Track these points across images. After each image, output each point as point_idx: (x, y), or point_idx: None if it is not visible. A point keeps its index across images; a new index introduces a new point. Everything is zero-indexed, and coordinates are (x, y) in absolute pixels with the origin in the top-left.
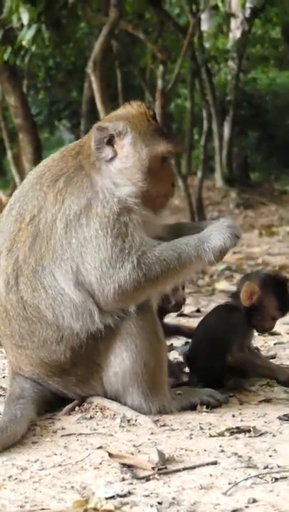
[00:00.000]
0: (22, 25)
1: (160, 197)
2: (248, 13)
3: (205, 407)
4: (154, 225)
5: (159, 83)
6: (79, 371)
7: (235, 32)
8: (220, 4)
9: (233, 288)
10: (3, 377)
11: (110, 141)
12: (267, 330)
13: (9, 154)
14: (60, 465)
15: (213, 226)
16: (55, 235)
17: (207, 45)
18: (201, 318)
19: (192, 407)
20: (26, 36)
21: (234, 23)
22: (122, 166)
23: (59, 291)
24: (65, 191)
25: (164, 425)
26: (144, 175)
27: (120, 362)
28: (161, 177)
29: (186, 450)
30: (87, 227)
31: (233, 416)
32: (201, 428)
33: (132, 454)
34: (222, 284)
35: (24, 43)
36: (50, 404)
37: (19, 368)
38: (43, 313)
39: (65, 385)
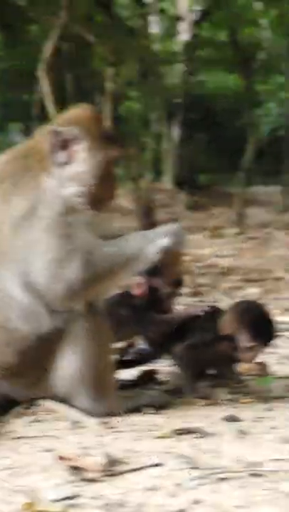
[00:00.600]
0: None
1: (105, 199)
2: (196, 16)
3: (151, 408)
4: (100, 224)
5: (109, 86)
6: (28, 374)
7: (184, 35)
8: (168, 7)
9: (184, 290)
10: None
11: (65, 146)
12: (245, 361)
13: None
14: (8, 468)
15: (159, 228)
16: (1, 237)
17: (156, 47)
18: None
19: (139, 409)
20: None
21: (182, 26)
22: (76, 171)
23: (7, 294)
24: (11, 193)
25: (111, 427)
26: (96, 179)
27: (68, 365)
28: (109, 181)
29: (133, 452)
30: (33, 229)
31: (179, 417)
32: (148, 430)
33: (80, 456)
34: None
35: None
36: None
37: None
38: None
39: (13, 388)
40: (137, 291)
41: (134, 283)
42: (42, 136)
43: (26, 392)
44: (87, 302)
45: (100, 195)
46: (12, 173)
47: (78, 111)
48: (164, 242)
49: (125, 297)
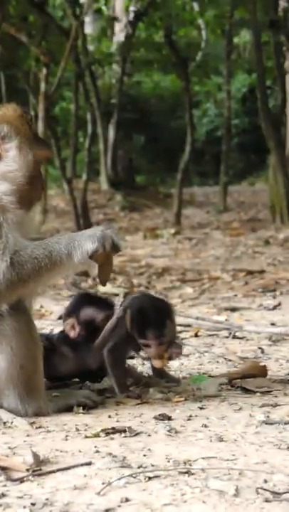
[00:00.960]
0: None
1: (33, 199)
2: (131, 16)
3: (82, 408)
4: (28, 224)
5: (43, 86)
6: None
7: (119, 35)
8: (103, 7)
9: (116, 290)
10: None
11: None
12: (153, 357)
13: None
14: None
15: (88, 229)
16: None
17: (91, 48)
18: None
19: (69, 409)
20: None
21: (118, 27)
22: (6, 169)
23: None
24: None
25: (40, 427)
26: (25, 178)
27: None
28: (36, 180)
29: (61, 451)
30: None
31: (110, 417)
32: (77, 429)
33: (7, 456)
34: (105, 287)
35: None
36: None
37: None
38: None
39: None
40: (72, 334)
41: (67, 326)
42: None
43: None
44: (12, 302)
45: (28, 194)
46: None
47: (8, 110)
48: (93, 246)
49: (65, 337)
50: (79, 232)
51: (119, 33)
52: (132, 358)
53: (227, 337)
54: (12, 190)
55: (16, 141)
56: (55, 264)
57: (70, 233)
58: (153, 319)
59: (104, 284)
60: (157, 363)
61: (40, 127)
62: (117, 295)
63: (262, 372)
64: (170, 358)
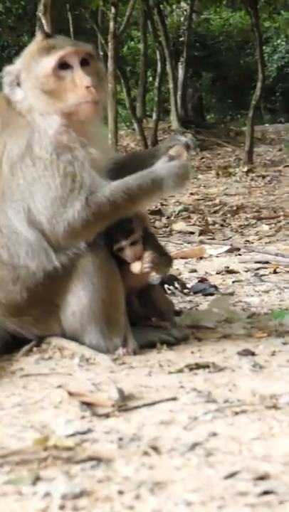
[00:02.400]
0: None
1: (80, 105)
2: None
3: (164, 345)
4: (101, 160)
5: (111, 26)
6: (36, 311)
7: None
8: None
9: (191, 229)
10: None
11: (18, 82)
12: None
13: None
14: (19, 405)
15: (163, 165)
16: (1, 178)
17: None
18: None
19: (151, 345)
20: None
21: None
22: (32, 101)
23: (13, 231)
24: (4, 134)
25: (123, 363)
26: (48, 96)
27: (78, 301)
28: (66, 87)
29: (145, 387)
30: (33, 167)
31: (192, 353)
32: (160, 365)
33: (92, 392)
34: (179, 225)
35: None
36: (8, 345)
37: None
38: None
39: (22, 326)
40: None
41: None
42: None
43: (35, 329)
44: (90, 240)
45: (71, 107)
46: (4, 112)
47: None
48: (169, 184)
49: None
50: (156, 169)
51: None
52: None
53: None
54: (60, 119)
55: (25, 69)
56: (133, 203)
57: (148, 172)
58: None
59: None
60: (135, 267)
61: (110, 67)
62: (192, 233)
63: None
64: (152, 262)
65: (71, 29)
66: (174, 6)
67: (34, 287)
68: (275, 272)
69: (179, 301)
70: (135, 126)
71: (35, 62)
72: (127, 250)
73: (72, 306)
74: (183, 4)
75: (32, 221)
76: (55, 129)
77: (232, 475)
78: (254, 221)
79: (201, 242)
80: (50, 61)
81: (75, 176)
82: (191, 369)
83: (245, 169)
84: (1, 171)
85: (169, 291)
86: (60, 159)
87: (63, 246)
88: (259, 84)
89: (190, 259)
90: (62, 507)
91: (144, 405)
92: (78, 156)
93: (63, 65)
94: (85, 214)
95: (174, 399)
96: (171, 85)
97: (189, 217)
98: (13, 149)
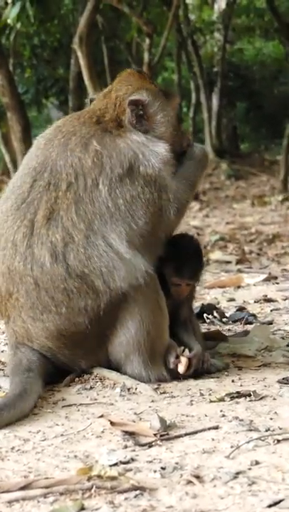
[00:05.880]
0: (6, 3)
1: (182, 144)
2: None
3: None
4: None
5: (146, 57)
6: (89, 343)
7: (220, 3)
8: None
9: (227, 258)
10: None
11: (143, 113)
12: (176, 297)
13: None
14: (62, 435)
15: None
16: (98, 198)
17: (192, 17)
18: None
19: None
20: (11, 14)
21: None
22: (158, 132)
23: (111, 255)
24: (101, 155)
25: (164, 392)
26: (175, 130)
27: (126, 331)
28: (179, 126)
29: (187, 416)
30: (132, 186)
31: (233, 381)
32: (201, 394)
33: (134, 422)
34: (216, 254)
35: (9, 21)
36: (51, 377)
37: (27, 339)
38: (90, 280)
39: (73, 358)
40: None
41: None
42: (104, 102)
43: (83, 361)
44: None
45: (179, 143)
46: (94, 135)
47: (132, 76)
48: (203, 164)
49: None
50: (190, 163)
51: (221, 1)
52: None
53: None
54: (169, 147)
55: (157, 104)
56: (194, 188)
57: (190, 160)
58: (189, 259)
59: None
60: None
61: None
62: (229, 262)
63: None
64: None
65: (106, 61)
66: (208, 37)
67: (95, 319)
68: None
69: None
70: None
71: (164, 99)
72: (182, 287)
73: (119, 337)
74: (216, 35)
75: (131, 240)
76: (162, 148)
77: (276, 503)
78: None
79: (239, 271)
80: (176, 101)
81: (167, 188)
82: (232, 398)
83: (280, 198)
84: (98, 192)
85: (208, 320)
86: (159, 175)
87: (154, 258)
88: None
89: (228, 288)
90: None
91: (186, 434)
92: (170, 170)
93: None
94: (176, 214)
95: (215, 428)
96: (205, 115)
97: (226, 246)
98: (114, 170)
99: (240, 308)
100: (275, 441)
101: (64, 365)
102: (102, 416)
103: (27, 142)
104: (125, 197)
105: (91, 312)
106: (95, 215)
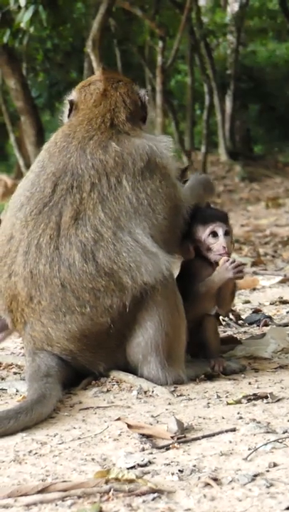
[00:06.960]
0: (19, 8)
1: None
2: None
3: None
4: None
5: (159, 60)
6: (110, 343)
7: (233, 5)
8: None
9: (242, 260)
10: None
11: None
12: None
13: (12, 138)
14: (79, 438)
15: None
16: (122, 195)
17: (205, 19)
18: None
19: (208, 377)
20: (24, 18)
21: None
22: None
23: (138, 250)
24: (122, 153)
25: (180, 395)
26: None
27: (144, 332)
28: None
29: (204, 418)
30: (151, 180)
31: (250, 383)
32: (218, 396)
33: (151, 425)
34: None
35: (22, 25)
36: (69, 380)
37: (47, 344)
38: (118, 276)
39: (93, 361)
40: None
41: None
42: (108, 103)
43: (103, 364)
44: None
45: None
46: (111, 137)
47: (109, 74)
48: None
49: None
50: (194, 183)
51: (233, 3)
52: None
53: None
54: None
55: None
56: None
57: (193, 180)
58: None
59: None
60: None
61: (158, 101)
62: (244, 264)
63: None
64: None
65: (119, 64)
66: (221, 39)
67: (119, 317)
68: None
69: (234, 333)
70: (184, 159)
71: None
72: (219, 240)
73: (137, 337)
74: (229, 37)
75: (154, 235)
76: (166, 144)
77: None
78: None
79: (254, 273)
80: None
81: (178, 182)
82: (249, 400)
83: None
84: (122, 189)
85: (224, 323)
86: (172, 168)
87: (172, 256)
88: None
89: (243, 291)
90: None
91: (204, 437)
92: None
93: None
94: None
95: (233, 430)
96: (218, 118)
97: (240, 248)
98: (135, 166)
99: (256, 311)
100: None
101: (83, 368)
102: (119, 419)
103: (41, 146)
104: (146, 191)
105: (115, 311)
106: (120, 211)
